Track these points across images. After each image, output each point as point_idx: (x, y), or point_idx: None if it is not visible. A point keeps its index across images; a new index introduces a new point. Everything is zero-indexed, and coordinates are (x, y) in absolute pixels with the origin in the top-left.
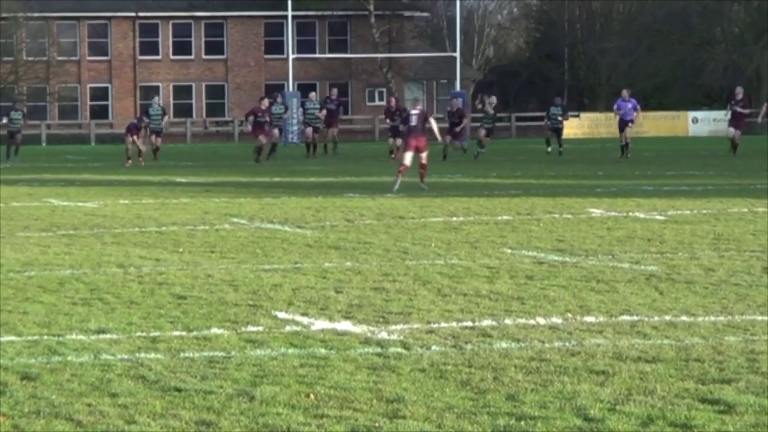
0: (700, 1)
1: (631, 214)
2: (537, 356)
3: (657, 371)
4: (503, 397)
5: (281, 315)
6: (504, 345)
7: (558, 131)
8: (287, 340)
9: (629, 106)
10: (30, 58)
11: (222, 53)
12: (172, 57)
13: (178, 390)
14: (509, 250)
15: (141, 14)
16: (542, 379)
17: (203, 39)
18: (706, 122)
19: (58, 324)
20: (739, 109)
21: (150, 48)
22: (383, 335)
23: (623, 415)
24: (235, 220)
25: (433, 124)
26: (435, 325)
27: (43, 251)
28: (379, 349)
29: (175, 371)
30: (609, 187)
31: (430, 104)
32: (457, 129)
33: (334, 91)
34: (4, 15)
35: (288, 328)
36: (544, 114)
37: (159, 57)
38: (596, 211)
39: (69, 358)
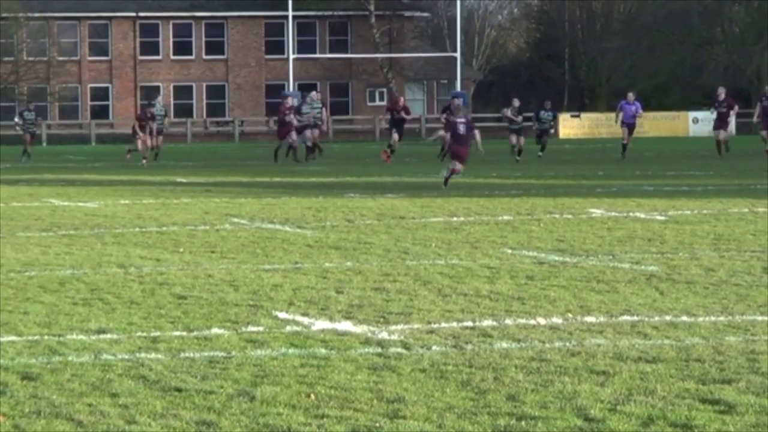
0: (700, 2)
1: (631, 214)
2: (537, 356)
3: (657, 371)
4: (504, 397)
5: (282, 315)
6: (504, 345)
7: (544, 133)
8: (288, 340)
9: (633, 108)
10: (30, 58)
11: (222, 53)
12: (172, 57)
13: (179, 390)
14: (510, 251)
15: (141, 14)
16: (543, 379)
17: (204, 39)
18: (707, 122)
19: (59, 324)
20: (724, 110)
21: (150, 48)
22: (384, 335)
23: (624, 416)
24: (236, 220)
25: (477, 135)
26: (435, 326)
27: (44, 251)
28: (379, 349)
29: (175, 371)
30: (609, 187)
31: (430, 104)
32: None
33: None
34: (4, 15)
35: (288, 328)
36: (532, 114)
37: (159, 57)
38: (597, 212)
39: (69, 358)
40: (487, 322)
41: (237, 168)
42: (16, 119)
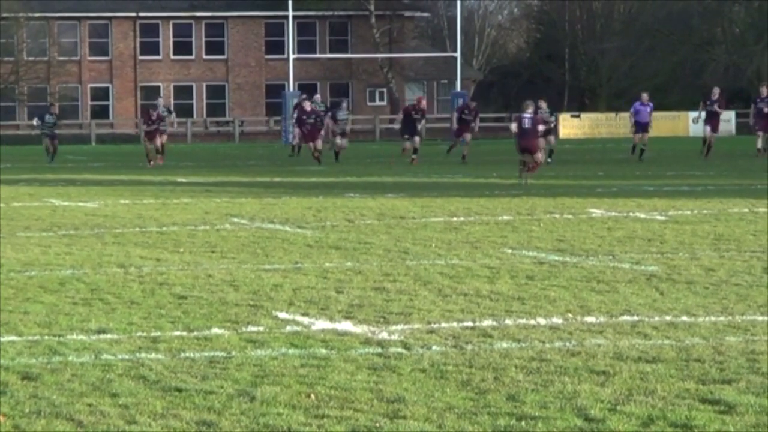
0: (700, 2)
1: (631, 214)
2: (537, 356)
3: (657, 371)
4: (504, 397)
5: (282, 315)
6: (504, 345)
7: (546, 134)
8: (288, 340)
9: (648, 110)
10: (31, 58)
11: (222, 53)
12: (172, 57)
13: (179, 390)
14: (510, 251)
15: (142, 14)
16: (543, 379)
17: (204, 39)
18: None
19: (59, 324)
20: (715, 109)
21: (151, 48)
22: (384, 335)
23: (624, 416)
24: (236, 220)
25: (541, 129)
26: (435, 326)
27: (44, 251)
28: (379, 350)
29: (175, 371)
30: (609, 187)
31: (430, 104)
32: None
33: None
34: (4, 15)
35: (288, 328)
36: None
37: (160, 57)
38: (597, 212)
39: (69, 358)
40: (487, 322)
41: (237, 168)
42: (35, 122)
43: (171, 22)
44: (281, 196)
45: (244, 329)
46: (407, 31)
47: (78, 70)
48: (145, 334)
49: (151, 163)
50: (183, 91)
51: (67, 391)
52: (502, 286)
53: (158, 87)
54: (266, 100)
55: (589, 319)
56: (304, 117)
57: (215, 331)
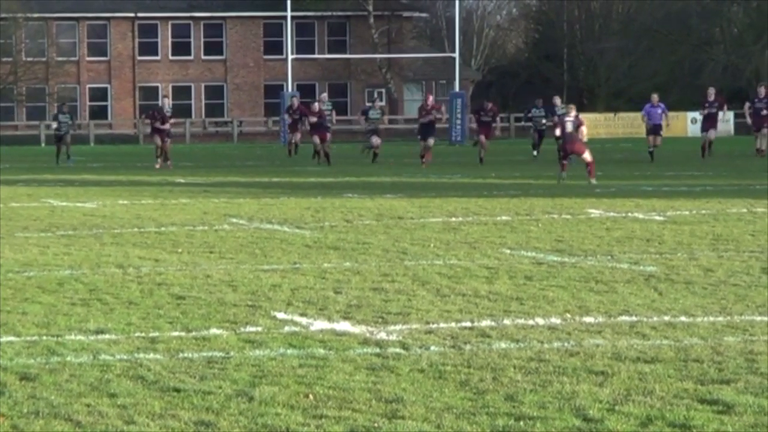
0: (699, 2)
1: (630, 214)
2: (536, 356)
3: (656, 372)
4: (502, 397)
5: (280, 315)
6: (503, 345)
7: (540, 133)
8: (286, 341)
9: (659, 111)
10: (29, 59)
11: (221, 54)
12: (171, 57)
13: (177, 390)
14: (508, 251)
15: (140, 15)
16: (541, 379)
17: (202, 39)
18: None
19: (57, 324)
20: (713, 111)
21: (149, 48)
22: (382, 335)
23: (622, 416)
24: (234, 220)
25: (584, 131)
26: (434, 326)
27: (42, 252)
28: (377, 350)
29: (173, 371)
30: (608, 187)
31: None
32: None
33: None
34: (3, 15)
35: (287, 328)
36: (521, 114)
37: (158, 57)
38: (595, 212)
39: (68, 359)
40: (486, 323)
41: (235, 168)
42: (54, 124)
43: (169, 22)
44: (280, 196)
45: (242, 329)
46: (406, 31)
47: (76, 70)
48: (143, 334)
49: (160, 164)
50: (181, 92)
51: (65, 392)
52: (500, 287)
53: (157, 87)
54: (265, 100)
55: (588, 319)
56: (311, 118)
57: (213, 331)
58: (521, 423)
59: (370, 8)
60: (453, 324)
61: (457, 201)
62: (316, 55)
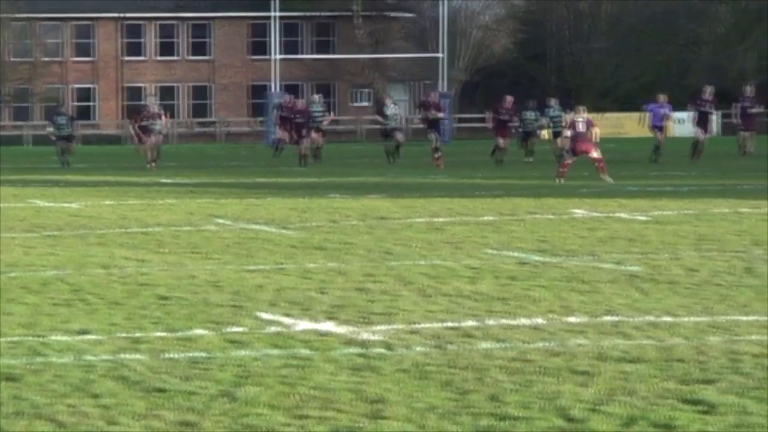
0: (686, 2)
1: (613, 214)
2: (519, 357)
3: (639, 371)
4: (485, 397)
5: (264, 316)
6: (486, 345)
7: (528, 135)
8: (270, 341)
9: (662, 111)
10: (14, 59)
11: (207, 54)
12: (157, 58)
13: (161, 391)
14: (492, 251)
15: (126, 15)
16: (524, 379)
17: (188, 40)
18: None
19: (41, 325)
20: (707, 110)
21: (135, 49)
22: (366, 336)
23: (605, 416)
24: (220, 220)
25: (597, 132)
26: (418, 326)
27: (27, 252)
28: (361, 350)
29: (157, 372)
30: (592, 187)
31: (414, 105)
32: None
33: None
34: None
35: (271, 328)
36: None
37: (144, 58)
38: (579, 212)
39: (51, 359)
40: (469, 323)
41: (221, 169)
42: (50, 128)
43: (156, 22)
44: (265, 196)
45: (226, 330)
46: (392, 31)
47: (62, 70)
48: (127, 334)
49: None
50: (167, 92)
51: (48, 392)
52: (484, 287)
53: (143, 87)
54: (250, 100)
55: (571, 319)
56: (293, 116)
57: (197, 331)
58: (504, 423)
59: (357, 8)
60: (437, 324)
61: (441, 201)
62: (302, 56)
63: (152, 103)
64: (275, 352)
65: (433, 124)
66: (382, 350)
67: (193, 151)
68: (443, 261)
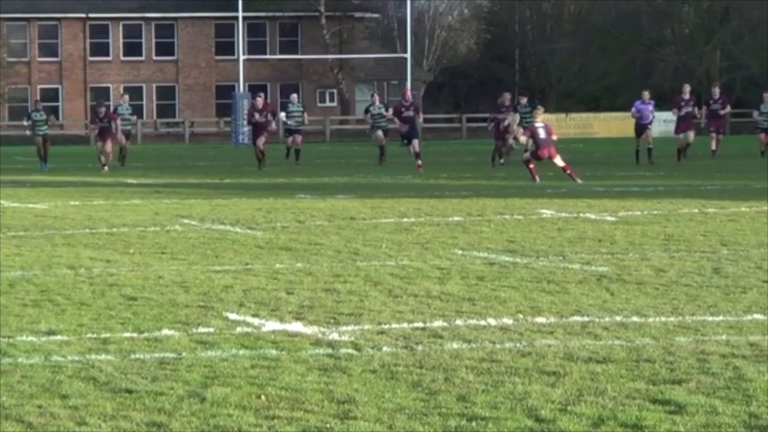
0: (650, 2)
1: (581, 214)
2: (488, 357)
3: (608, 372)
4: (454, 397)
5: (232, 316)
6: (455, 346)
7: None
8: (238, 341)
9: (649, 108)
10: None
11: (173, 54)
12: (122, 58)
13: (129, 391)
14: (460, 251)
15: (91, 15)
16: (493, 379)
17: (154, 40)
18: (656, 123)
19: (8, 325)
20: (690, 110)
21: (101, 49)
22: (334, 336)
23: (574, 416)
24: (186, 221)
25: (554, 137)
26: (386, 326)
27: None
28: (330, 350)
29: (125, 372)
30: (559, 188)
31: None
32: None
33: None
34: None
35: (239, 329)
36: (488, 115)
37: (110, 58)
38: (547, 212)
39: (19, 360)
40: (438, 323)
41: (187, 169)
42: (25, 122)
43: (121, 23)
44: (231, 197)
45: (194, 330)
46: (357, 32)
47: (27, 71)
48: (95, 335)
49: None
50: (133, 92)
51: (16, 393)
52: (452, 287)
53: (108, 88)
54: (216, 101)
55: (540, 319)
56: (255, 114)
57: (165, 332)
58: (473, 423)
59: (322, 9)
60: (405, 324)
61: (409, 202)
62: (268, 56)
63: (125, 101)
64: (244, 352)
65: (408, 123)
66: (351, 351)
67: (159, 152)
68: (411, 261)
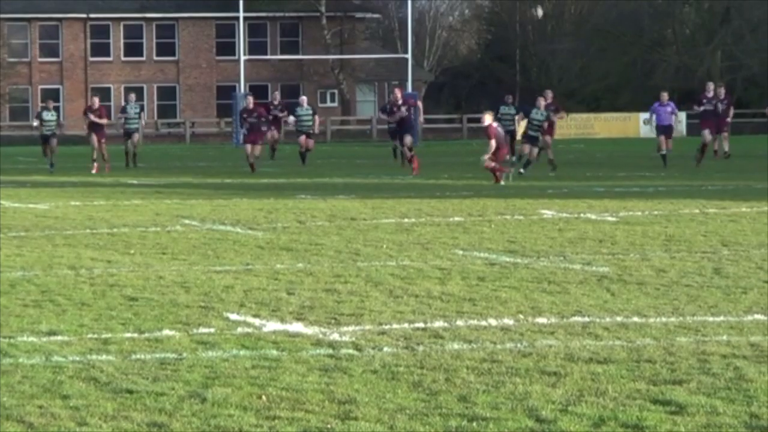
0: (651, 3)
1: (582, 215)
2: (489, 357)
3: (608, 372)
4: (455, 398)
5: (233, 316)
6: (456, 346)
7: (510, 134)
8: (239, 342)
9: (668, 110)
10: None
11: (173, 54)
12: (123, 58)
13: (130, 392)
14: (461, 252)
15: (92, 15)
16: (494, 380)
17: (155, 40)
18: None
19: (9, 326)
20: (711, 108)
21: (101, 49)
22: (335, 337)
23: (575, 416)
24: (187, 221)
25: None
26: (387, 327)
27: None
28: (330, 351)
29: (126, 373)
30: (560, 188)
31: (381, 106)
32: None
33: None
34: None
35: (240, 329)
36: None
37: (110, 58)
38: (548, 213)
39: (20, 360)
40: (439, 324)
41: (188, 169)
42: (35, 122)
43: (122, 23)
44: (232, 197)
45: (195, 331)
46: (358, 32)
47: (28, 71)
48: (95, 335)
49: (106, 166)
50: (134, 93)
51: (17, 393)
52: (453, 288)
53: (109, 88)
54: (217, 101)
55: (540, 320)
56: (245, 116)
57: (166, 332)
58: (474, 424)
59: (323, 9)
60: (406, 325)
61: (410, 202)
62: (269, 56)
63: (131, 100)
64: (244, 353)
65: (402, 124)
66: (352, 351)
67: (160, 152)
68: (412, 262)
